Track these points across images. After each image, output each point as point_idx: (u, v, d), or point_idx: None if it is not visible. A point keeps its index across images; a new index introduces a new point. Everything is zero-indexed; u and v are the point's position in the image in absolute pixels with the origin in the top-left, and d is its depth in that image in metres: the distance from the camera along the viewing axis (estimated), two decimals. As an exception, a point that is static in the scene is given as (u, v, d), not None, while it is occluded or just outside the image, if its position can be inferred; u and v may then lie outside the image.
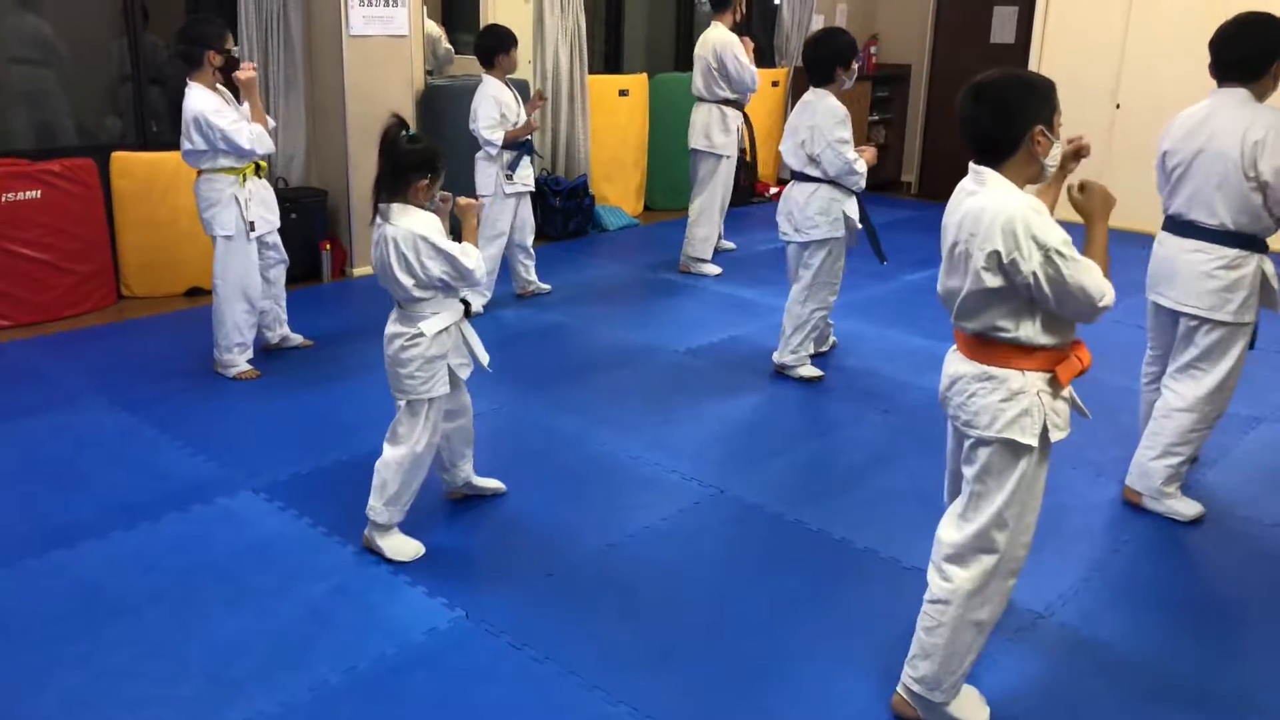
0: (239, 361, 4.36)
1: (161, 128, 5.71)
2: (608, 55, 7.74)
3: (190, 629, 2.65)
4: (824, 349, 4.75)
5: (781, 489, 3.48)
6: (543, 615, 2.74)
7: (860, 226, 4.30)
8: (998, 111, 2.16)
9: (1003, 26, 8.25)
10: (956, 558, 2.25)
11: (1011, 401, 2.14)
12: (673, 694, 2.45)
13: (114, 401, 4.06)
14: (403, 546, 3.00)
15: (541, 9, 6.73)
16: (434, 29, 7.01)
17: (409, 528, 3.06)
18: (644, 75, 7.55)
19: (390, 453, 2.95)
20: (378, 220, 2.84)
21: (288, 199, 5.69)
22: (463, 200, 2.95)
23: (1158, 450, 3.30)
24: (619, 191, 7.52)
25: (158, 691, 2.41)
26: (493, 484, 3.38)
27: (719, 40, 5.82)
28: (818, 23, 8.45)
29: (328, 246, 5.77)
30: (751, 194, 8.27)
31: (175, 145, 5.43)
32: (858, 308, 5.41)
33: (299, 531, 3.14)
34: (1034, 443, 2.15)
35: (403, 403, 2.96)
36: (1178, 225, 3.22)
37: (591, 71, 7.15)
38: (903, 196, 8.69)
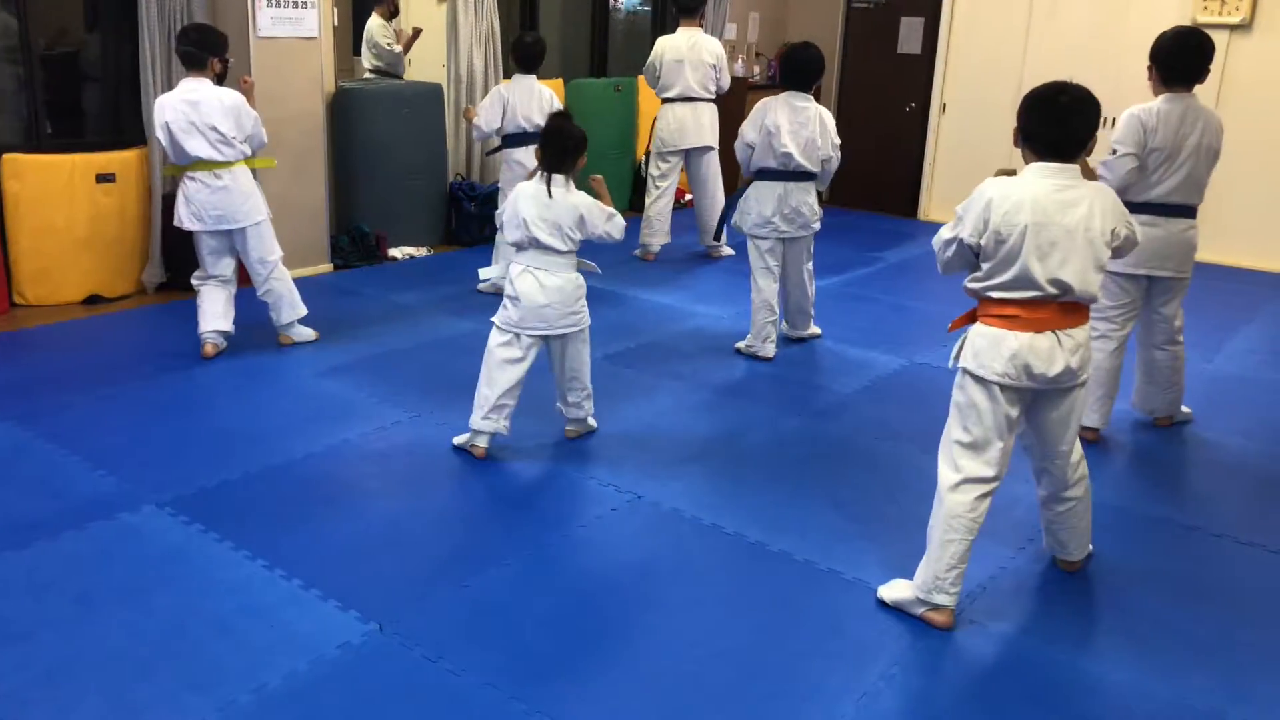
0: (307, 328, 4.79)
1: (56, 129, 5.48)
2: (522, 60, 7.69)
3: (89, 652, 2.55)
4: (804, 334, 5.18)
5: (698, 493, 3.50)
6: (459, 627, 2.71)
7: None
8: (1094, 116, 2.63)
9: (910, 37, 8.46)
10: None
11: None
12: (593, 703, 2.44)
13: (5, 414, 3.88)
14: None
15: (455, 12, 6.67)
16: (376, 25, 7.03)
17: (327, 531, 2.98)
18: (560, 80, 7.53)
19: (586, 367, 3.77)
20: (544, 183, 3.52)
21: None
22: (598, 176, 3.83)
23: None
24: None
25: None
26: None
27: (715, 48, 6.48)
28: (730, 32, 8.54)
29: (234, 252, 5.62)
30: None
31: (71, 148, 5.29)
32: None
33: (206, 547, 3.05)
34: None
35: (575, 333, 3.68)
36: (1166, 209, 3.78)
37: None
38: (815, 203, 8.83)
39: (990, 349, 2.68)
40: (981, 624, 2.82)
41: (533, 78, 5.66)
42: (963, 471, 2.74)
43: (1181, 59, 3.74)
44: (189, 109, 4.30)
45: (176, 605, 2.75)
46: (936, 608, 2.77)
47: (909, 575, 2.85)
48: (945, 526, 2.74)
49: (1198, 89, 3.80)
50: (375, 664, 2.55)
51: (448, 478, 3.56)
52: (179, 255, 5.49)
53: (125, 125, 5.48)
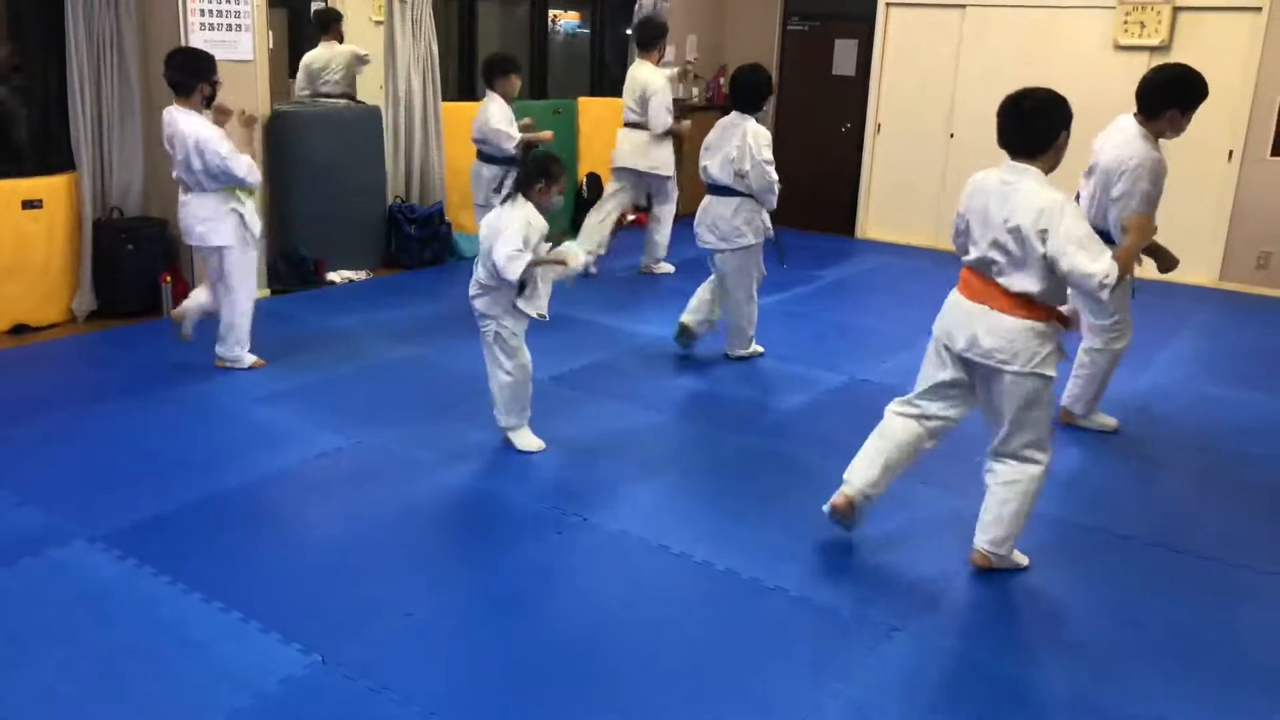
0: (247, 356, 4.70)
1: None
2: (461, 83, 7.68)
3: (19, 693, 2.46)
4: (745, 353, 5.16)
5: (645, 514, 3.50)
6: (403, 657, 2.67)
7: (771, 233, 4.91)
8: (1041, 117, 2.83)
9: (844, 59, 8.61)
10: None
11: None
12: (540, 729, 2.42)
13: (-72, 450, 3.76)
14: (530, 440, 3.94)
15: (393, 34, 6.64)
16: (347, 49, 6.98)
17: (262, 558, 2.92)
18: (498, 102, 7.51)
19: (503, 378, 3.87)
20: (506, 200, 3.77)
21: (124, 229, 5.42)
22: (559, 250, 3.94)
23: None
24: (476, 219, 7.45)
25: (-19, 765, 2.23)
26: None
27: (650, 81, 6.56)
28: (669, 53, 8.61)
29: (168, 279, 5.50)
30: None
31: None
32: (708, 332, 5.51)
33: (140, 581, 2.96)
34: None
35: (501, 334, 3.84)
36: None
37: (445, 99, 7.09)
38: (755, 222, 8.92)
39: None
40: (930, 638, 2.85)
41: (493, 95, 5.92)
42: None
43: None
44: (167, 138, 4.42)
45: (111, 643, 2.67)
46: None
47: (858, 591, 2.87)
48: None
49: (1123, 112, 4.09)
50: (318, 697, 2.50)
51: (390, 504, 3.52)
52: (110, 283, 5.38)
53: (54, 150, 5.35)
